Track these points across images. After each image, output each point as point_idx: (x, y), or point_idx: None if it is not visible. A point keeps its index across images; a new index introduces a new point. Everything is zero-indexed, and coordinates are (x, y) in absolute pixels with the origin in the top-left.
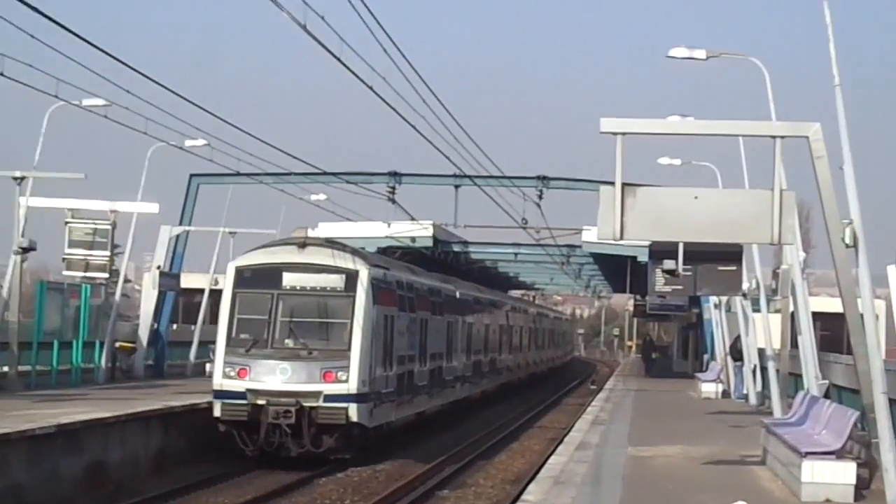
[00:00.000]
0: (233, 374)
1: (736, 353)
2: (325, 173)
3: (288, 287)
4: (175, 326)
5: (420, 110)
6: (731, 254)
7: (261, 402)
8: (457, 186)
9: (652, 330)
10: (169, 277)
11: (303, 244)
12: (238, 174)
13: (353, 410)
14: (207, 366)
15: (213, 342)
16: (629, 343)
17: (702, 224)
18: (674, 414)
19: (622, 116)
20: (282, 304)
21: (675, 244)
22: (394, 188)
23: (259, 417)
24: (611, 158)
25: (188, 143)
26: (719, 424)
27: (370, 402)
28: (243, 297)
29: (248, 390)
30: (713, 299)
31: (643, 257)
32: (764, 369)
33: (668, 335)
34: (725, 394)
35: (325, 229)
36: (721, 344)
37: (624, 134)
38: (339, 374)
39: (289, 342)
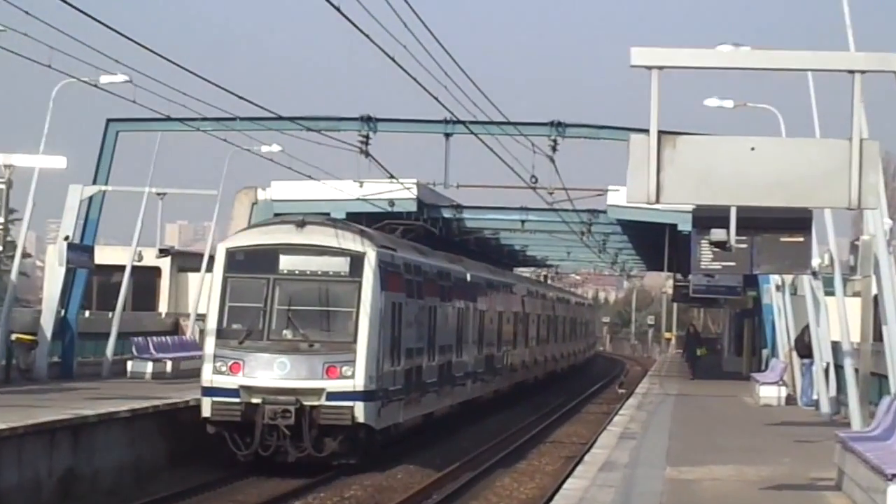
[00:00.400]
0: (224, 368)
1: (803, 347)
2: (279, 118)
3: (286, 271)
4: (88, 314)
5: (401, 37)
6: (798, 221)
7: (256, 400)
8: (447, 135)
9: (696, 318)
10: (80, 251)
11: (302, 223)
12: (168, 119)
13: (359, 410)
14: (129, 364)
15: (136, 334)
16: (667, 335)
17: (760, 183)
18: (724, 425)
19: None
20: (279, 291)
21: (726, 209)
22: (367, 137)
23: (254, 418)
24: (643, 101)
25: (105, 79)
26: (782, 439)
27: (378, 401)
28: (235, 282)
29: (242, 387)
30: (774, 279)
31: (685, 226)
32: (839, 368)
33: (716, 325)
34: (790, 399)
35: (279, 189)
36: (784, 336)
37: (661, 68)
38: (344, 369)
39: (287, 333)
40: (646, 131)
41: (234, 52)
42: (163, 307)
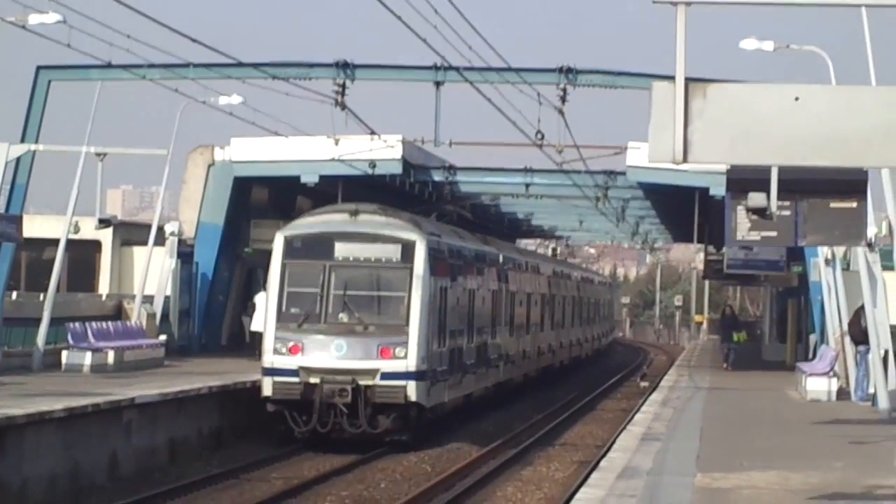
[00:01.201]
0: (284, 350)
1: (858, 332)
2: (239, 64)
3: (341, 258)
4: (15, 295)
5: None
6: (851, 184)
7: (314, 380)
8: (438, 83)
9: (732, 298)
10: (5, 221)
11: (355, 211)
12: (109, 66)
13: (411, 389)
14: (64, 354)
15: (72, 319)
16: (698, 318)
17: (806, 139)
18: (765, 424)
19: None
20: (334, 276)
21: (767, 170)
22: (343, 86)
23: (312, 397)
24: (668, 43)
25: (34, 19)
26: (834, 439)
27: (428, 381)
28: (293, 268)
29: (301, 368)
30: (823, 252)
31: (718, 189)
32: None
33: (755, 306)
34: (843, 393)
35: (240, 148)
36: (835, 319)
37: (688, 3)
38: (397, 350)
39: (343, 317)
40: (671, 78)
41: None
42: (104, 288)
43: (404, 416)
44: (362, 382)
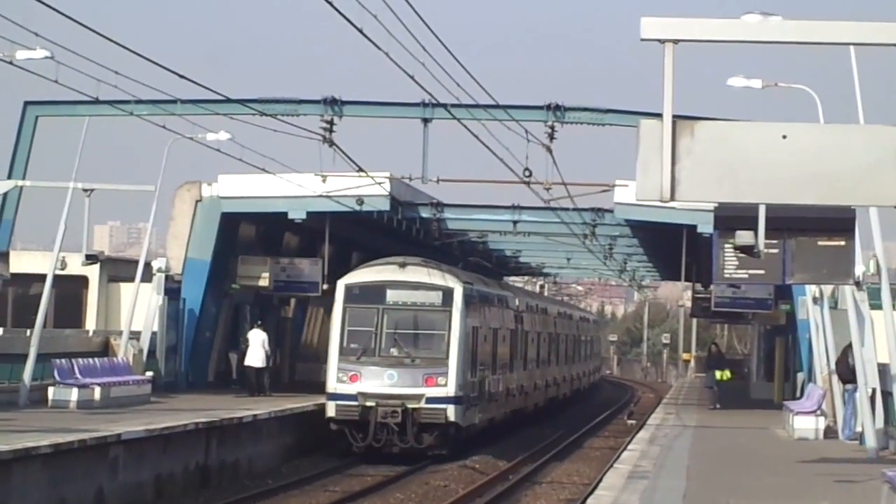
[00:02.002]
0: (345, 378)
1: (846, 371)
2: (227, 100)
3: (391, 302)
4: (1, 331)
5: (371, 5)
6: (839, 222)
7: (370, 403)
8: (425, 120)
9: (720, 336)
10: None
11: (403, 264)
12: (96, 101)
13: (451, 411)
14: (51, 390)
15: (59, 355)
16: (685, 356)
17: (793, 177)
18: (752, 463)
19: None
20: (387, 318)
21: (754, 208)
22: (331, 123)
23: (368, 417)
24: (655, 81)
25: (21, 54)
26: (821, 478)
27: (464, 405)
28: (352, 311)
29: (360, 393)
30: (811, 290)
31: (706, 227)
32: (888, 395)
33: (743, 345)
34: (830, 432)
35: (227, 185)
36: (823, 358)
37: (676, 42)
38: (439, 379)
39: (394, 351)
40: (659, 116)
41: (174, 23)
42: (90, 324)
43: (445, 434)
44: (410, 406)
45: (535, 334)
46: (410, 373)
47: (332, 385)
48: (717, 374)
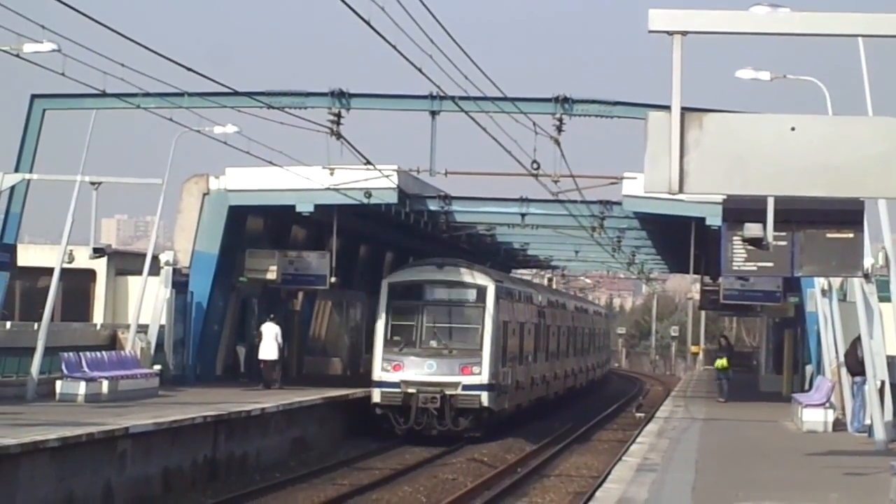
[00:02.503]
0: (389, 368)
1: (854, 363)
2: (235, 93)
3: (431, 299)
4: (9, 325)
5: None
6: (848, 214)
7: (412, 390)
8: (433, 113)
9: (729, 329)
10: None
11: (441, 264)
12: (103, 94)
13: (484, 397)
14: (58, 383)
15: (67, 349)
16: (694, 349)
17: (802, 169)
18: (761, 455)
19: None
20: (427, 313)
21: (763, 200)
22: (339, 115)
23: (410, 403)
24: (664, 73)
25: (29, 48)
26: (830, 471)
27: (496, 392)
28: (396, 307)
29: (402, 381)
30: (819, 283)
31: (714, 220)
32: None
33: (752, 337)
34: (839, 424)
35: (234, 178)
36: (832, 350)
37: (684, 34)
38: (474, 368)
39: (433, 343)
40: (667, 108)
41: (181, 16)
42: (98, 317)
43: (479, 418)
44: (448, 392)
45: (556, 328)
46: (448, 362)
47: (378, 374)
48: (717, 362)
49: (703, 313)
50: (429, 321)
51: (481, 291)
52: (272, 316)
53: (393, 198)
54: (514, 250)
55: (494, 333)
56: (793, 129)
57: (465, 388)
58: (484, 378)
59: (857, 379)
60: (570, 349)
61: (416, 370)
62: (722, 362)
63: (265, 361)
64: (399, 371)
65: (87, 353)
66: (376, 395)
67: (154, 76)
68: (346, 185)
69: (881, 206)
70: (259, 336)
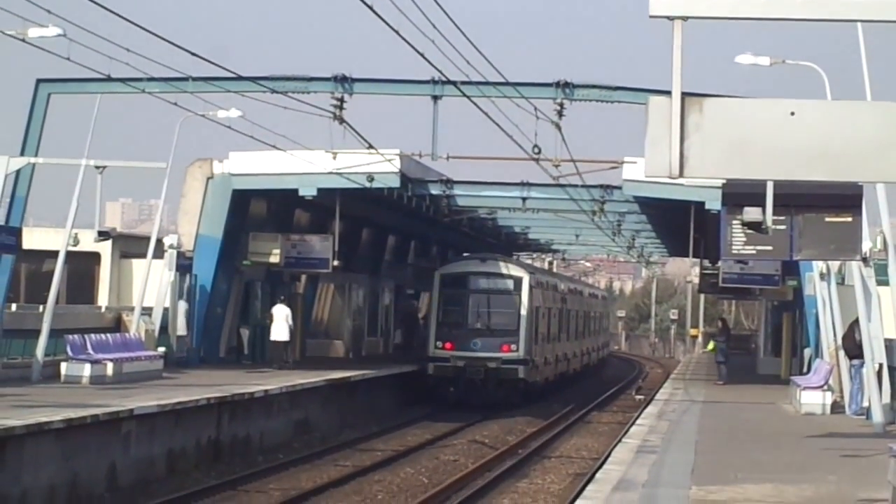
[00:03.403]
0: (441, 346)
1: (852, 346)
2: (239, 78)
3: (475, 288)
4: (14, 307)
5: None
6: (846, 198)
7: (460, 364)
8: (435, 97)
9: (727, 312)
10: (5, 234)
11: (484, 258)
12: (108, 79)
13: (520, 370)
14: (63, 365)
15: (72, 331)
16: (693, 332)
17: (801, 153)
18: (760, 437)
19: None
20: (472, 299)
21: (762, 184)
22: (341, 100)
23: (459, 375)
24: (664, 58)
25: (34, 32)
26: (828, 453)
27: (530, 366)
28: (446, 294)
29: (452, 356)
30: (818, 266)
31: (714, 203)
32: (895, 370)
33: (750, 320)
34: (837, 407)
35: (238, 162)
36: (830, 333)
37: (685, 19)
38: (512, 346)
39: (478, 324)
40: (667, 93)
41: (184, 1)
42: (103, 300)
43: (516, 388)
44: (490, 366)
45: (575, 312)
46: (490, 341)
47: (431, 350)
48: (708, 345)
49: (702, 297)
50: (474, 306)
51: (517, 281)
52: (283, 298)
53: (395, 182)
54: (515, 234)
55: (528, 317)
56: (792, 113)
57: (504, 362)
58: (520, 354)
59: (855, 362)
60: (585, 331)
61: (464, 347)
62: (710, 346)
63: (276, 342)
64: (450, 349)
65: (92, 336)
66: (430, 369)
67: (159, 61)
68: (348, 169)
69: (880, 190)
70: (270, 318)
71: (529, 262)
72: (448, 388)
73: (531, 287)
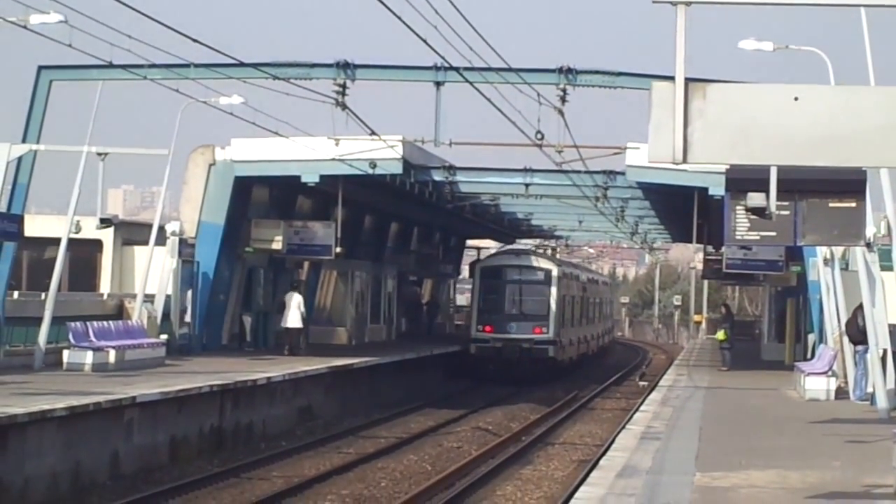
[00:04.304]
0: (481, 329)
1: (856, 332)
2: (240, 64)
3: (510, 278)
4: (16, 295)
5: None
6: (850, 184)
7: (499, 345)
8: (438, 84)
9: (731, 298)
10: (6, 221)
11: (518, 252)
12: (110, 66)
13: (550, 350)
14: (66, 353)
15: (74, 318)
16: (696, 318)
17: (805, 139)
18: (764, 423)
19: None
20: (507, 288)
21: (766, 170)
22: (344, 86)
23: (497, 354)
24: (668, 44)
25: (35, 19)
26: (832, 438)
27: (558, 346)
28: (485, 284)
29: (492, 338)
30: (822, 252)
31: (717, 189)
32: None
33: (754, 306)
34: (841, 393)
35: (240, 148)
36: (834, 319)
37: (688, 3)
38: (543, 329)
39: (513, 310)
40: (671, 78)
41: None
42: (105, 287)
43: (546, 365)
44: (524, 346)
45: (592, 299)
46: (524, 325)
47: (473, 333)
48: (717, 332)
49: (705, 283)
50: (510, 295)
51: (547, 273)
52: (295, 285)
53: (398, 168)
54: (518, 220)
55: (557, 303)
56: (796, 98)
57: (536, 343)
58: (550, 336)
59: (859, 347)
60: (598, 317)
61: (501, 330)
62: (720, 334)
63: (289, 329)
64: (489, 331)
65: (94, 323)
66: (472, 349)
67: (160, 47)
68: (351, 156)
69: (883, 175)
70: (282, 305)
71: (532, 247)
72: (488, 366)
73: (559, 278)
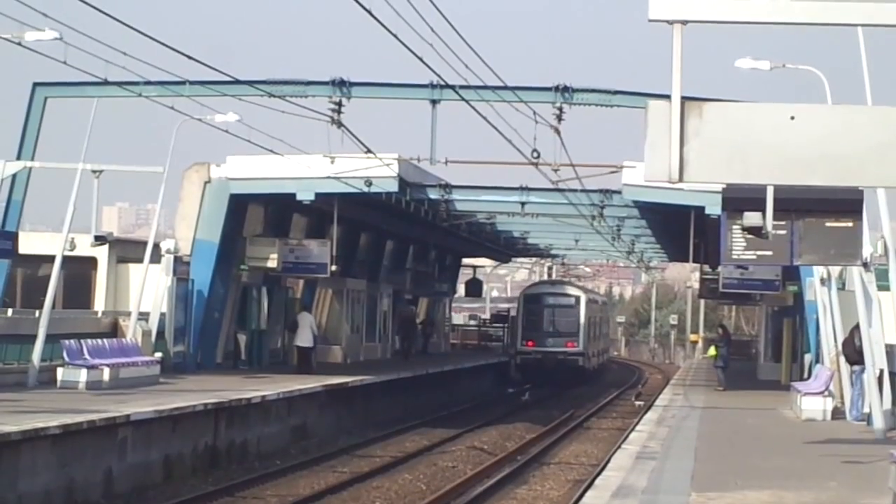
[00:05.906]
0: (524, 343)
1: (853, 352)
2: (236, 82)
3: (548, 303)
4: (10, 312)
5: None
6: (847, 203)
7: (539, 356)
8: (434, 102)
9: (728, 317)
10: (0, 238)
11: (553, 282)
12: (105, 83)
13: (580, 360)
14: (60, 371)
15: (68, 336)
16: (693, 337)
17: (801, 158)
18: (760, 443)
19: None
20: (546, 311)
21: (762, 189)
22: (339, 104)
23: (538, 364)
24: (664, 62)
25: (30, 36)
26: (829, 459)
27: (585, 357)
28: (528, 308)
29: (534, 351)
30: (818, 272)
31: (714, 209)
32: (895, 376)
33: (750, 326)
34: (837, 413)
35: (235, 166)
36: (830, 339)
37: (684, 23)
38: (574, 343)
39: (550, 328)
40: (667, 97)
41: (182, 4)
42: (99, 305)
43: (576, 373)
44: (559, 357)
45: (605, 319)
46: (559, 340)
47: (518, 347)
48: (709, 350)
49: (702, 302)
50: (548, 316)
51: (577, 299)
52: (307, 306)
53: (393, 186)
54: (514, 239)
55: (585, 323)
56: (792, 118)
57: (569, 355)
58: (580, 349)
59: (856, 368)
60: (610, 334)
61: (541, 344)
62: (711, 350)
63: (301, 348)
64: (531, 346)
65: (89, 341)
66: (518, 360)
67: (155, 65)
68: (346, 174)
69: (880, 195)
70: (295, 325)
71: (528, 266)
72: (530, 374)
73: (586, 303)
